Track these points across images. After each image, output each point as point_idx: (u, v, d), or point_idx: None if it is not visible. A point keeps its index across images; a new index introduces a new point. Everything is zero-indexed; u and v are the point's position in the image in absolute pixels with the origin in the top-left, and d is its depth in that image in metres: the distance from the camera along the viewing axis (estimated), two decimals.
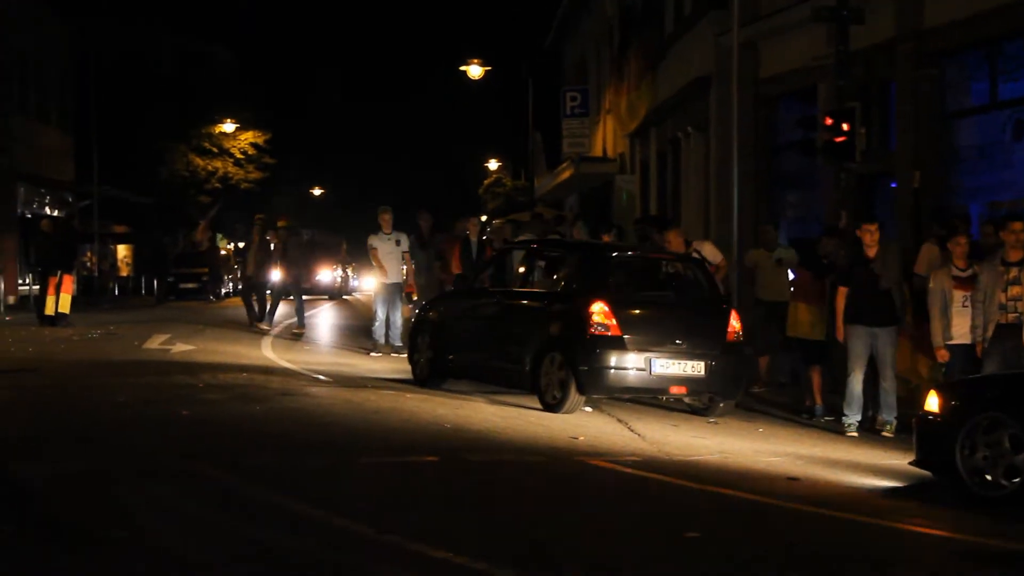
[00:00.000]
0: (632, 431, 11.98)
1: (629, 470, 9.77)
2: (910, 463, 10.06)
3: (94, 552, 6.49)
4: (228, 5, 55.79)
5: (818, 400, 13.93)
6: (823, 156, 16.49)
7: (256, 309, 23.67)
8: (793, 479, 9.81)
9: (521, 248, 16.16)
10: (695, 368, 12.74)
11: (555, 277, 14.27)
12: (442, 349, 14.70)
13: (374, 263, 19.01)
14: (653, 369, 12.58)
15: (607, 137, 35.20)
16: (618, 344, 12.51)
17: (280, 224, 25.77)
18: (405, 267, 19.28)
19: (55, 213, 37.39)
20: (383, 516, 7.50)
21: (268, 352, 18.92)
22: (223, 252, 48.19)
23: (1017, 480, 8.88)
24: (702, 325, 13.07)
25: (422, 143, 70.25)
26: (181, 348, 18.67)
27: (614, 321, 12.51)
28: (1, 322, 24.59)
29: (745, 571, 6.84)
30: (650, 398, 13.90)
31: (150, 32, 46.95)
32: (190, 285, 40.98)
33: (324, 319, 30.72)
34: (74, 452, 9.45)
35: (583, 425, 12.13)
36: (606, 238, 17.71)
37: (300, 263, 23.46)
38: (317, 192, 76.67)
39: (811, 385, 14.05)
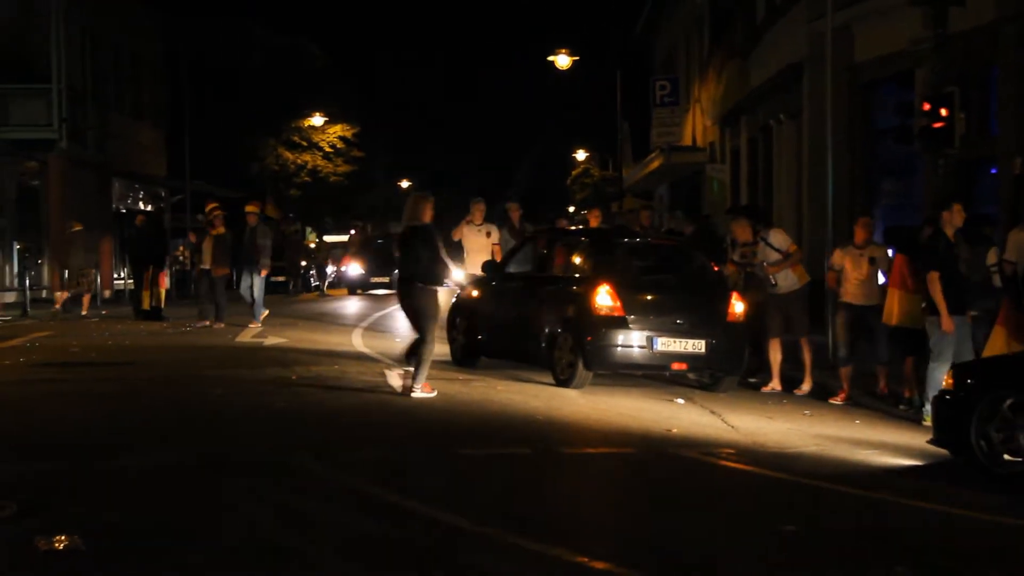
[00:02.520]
0: (726, 423, 11.83)
1: (724, 462, 9.66)
2: (928, 442, 10.09)
3: (202, 545, 6.54)
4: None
5: (914, 391, 13.56)
6: (920, 143, 16.10)
7: (215, 305, 21.89)
8: (891, 471, 9.59)
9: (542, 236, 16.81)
10: (695, 346, 13.55)
11: (569, 262, 14.96)
12: (474, 330, 15.64)
13: (453, 236, 18.86)
14: (655, 347, 13.44)
15: (696, 126, 34.91)
16: (622, 323, 13.39)
17: (248, 209, 22.85)
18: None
19: (148, 208, 38.01)
20: (479, 508, 7.49)
21: (359, 344, 19.02)
22: (311, 244, 48.65)
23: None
24: (703, 306, 13.89)
25: (510, 134, 70.31)
26: (273, 341, 18.83)
27: (618, 302, 13.41)
28: (98, 316, 25.03)
29: (845, 566, 6.70)
30: (752, 386, 14.15)
31: (240, 26, 47.50)
32: (279, 278, 41.39)
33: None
34: (175, 445, 9.56)
35: (676, 417, 12.02)
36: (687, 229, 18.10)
37: (260, 253, 21.60)
38: (405, 185, 77.09)
39: (907, 375, 13.68)
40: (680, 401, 13.13)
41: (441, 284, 12.57)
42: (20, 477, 8.09)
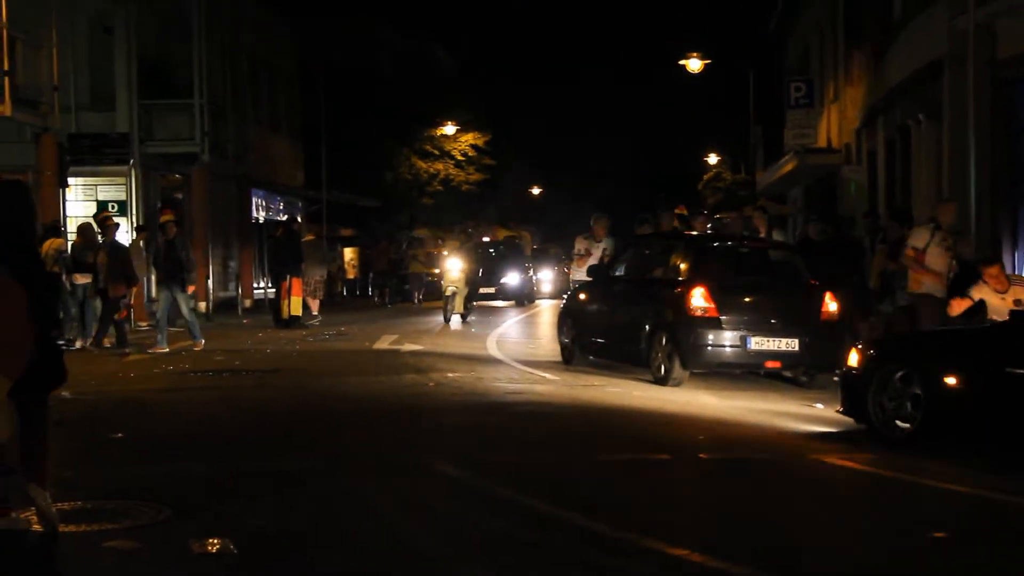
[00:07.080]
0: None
1: (865, 467, 9.51)
2: (836, 411, 11.06)
3: (345, 549, 6.68)
4: (447, 7, 56.72)
5: None
6: None
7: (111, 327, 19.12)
8: None
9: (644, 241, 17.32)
10: (789, 344, 14.01)
11: (667, 265, 15.43)
12: (580, 332, 16.41)
13: (576, 264, 19.12)
14: (748, 346, 13.95)
15: (831, 128, 34.35)
16: (716, 324, 13.96)
17: (164, 219, 20.32)
18: None
19: (285, 218, 38.82)
20: (618, 512, 7.51)
21: (494, 350, 19.16)
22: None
23: (911, 425, 10.02)
24: (796, 306, 14.39)
25: (642, 138, 69.82)
26: (410, 347, 19.09)
27: (712, 304, 13.96)
28: (239, 324, 25.63)
29: (992, 571, 6.54)
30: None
31: (369, 32, 48.13)
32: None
33: (545, 318, 30.87)
34: (318, 450, 9.75)
35: (813, 421, 11.87)
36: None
37: (186, 267, 19.19)
38: (536, 191, 77.27)
39: None
40: (819, 406, 12.94)
41: None
42: (171, 481, 8.34)
